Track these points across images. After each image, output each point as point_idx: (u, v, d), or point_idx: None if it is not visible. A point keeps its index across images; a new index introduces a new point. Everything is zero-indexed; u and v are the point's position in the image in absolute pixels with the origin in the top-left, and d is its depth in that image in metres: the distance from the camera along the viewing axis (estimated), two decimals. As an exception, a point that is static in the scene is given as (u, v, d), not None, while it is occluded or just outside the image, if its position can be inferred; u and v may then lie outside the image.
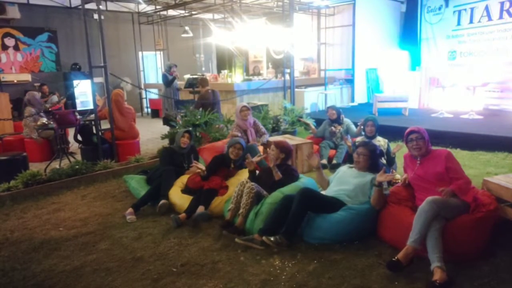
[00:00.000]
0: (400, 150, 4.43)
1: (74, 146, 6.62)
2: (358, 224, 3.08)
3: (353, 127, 5.55)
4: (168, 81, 8.99)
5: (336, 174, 3.58)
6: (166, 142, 5.94)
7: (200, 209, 3.55)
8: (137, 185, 4.31)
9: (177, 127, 6.04)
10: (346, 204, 3.18)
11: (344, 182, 3.35)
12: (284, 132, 6.58)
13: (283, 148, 3.82)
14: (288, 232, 2.98)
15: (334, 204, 3.17)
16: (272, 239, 2.92)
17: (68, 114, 6.18)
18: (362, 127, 4.98)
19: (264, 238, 2.95)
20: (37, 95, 6.93)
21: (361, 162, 3.32)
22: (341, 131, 5.52)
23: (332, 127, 5.57)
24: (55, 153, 5.81)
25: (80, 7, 5.79)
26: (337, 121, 5.62)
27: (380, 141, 4.66)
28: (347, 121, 5.67)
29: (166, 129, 7.42)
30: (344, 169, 3.55)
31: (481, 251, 2.78)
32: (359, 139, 4.83)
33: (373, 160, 3.34)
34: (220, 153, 4.48)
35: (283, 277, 2.62)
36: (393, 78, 10.36)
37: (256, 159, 4.28)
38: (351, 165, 3.51)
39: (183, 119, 6.05)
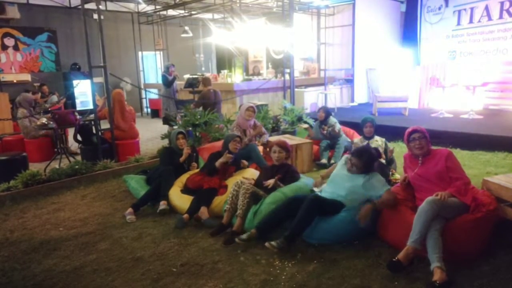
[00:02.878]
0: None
1: (73, 146, 6.62)
2: (358, 224, 3.07)
3: (338, 126, 5.60)
4: (168, 82, 8.99)
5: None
6: (166, 142, 5.93)
7: (203, 210, 3.54)
8: (137, 185, 4.30)
9: (177, 127, 6.04)
10: (345, 205, 3.18)
11: (337, 185, 3.26)
12: (284, 132, 6.58)
13: (285, 148, 3.83)
14: (292, 236, 2.96)
15: (337, 206, 3.15)
16: (274, 244, 2.86)
17: (68, 114, 6.19)
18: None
19: (266, 243, 2.89)
20: (29, 97, 6.88)
21: (354, 170, 3.19)
22: (329, 131, 5.55)
23: (321, 129, 5.66)
24: (56, 153, 5.82)
25: (80, 7, 5.79)
26: (325, 122, 5.66)
27: (378, 141, 4.65)
28: (333, 120, 5.69)
29: (166, 129, 7.42)
30: (339, 166, 3.42)
31: (481, 251, 2.78)
32: (357, 139, 4.83)
33: (367, 168, 3.20)
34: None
35: (283, 277, 2.61)
36: (393, 78, 10.35)
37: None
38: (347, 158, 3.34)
39: (183, 119, 6.05)
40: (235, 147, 4.13)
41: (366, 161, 3.17)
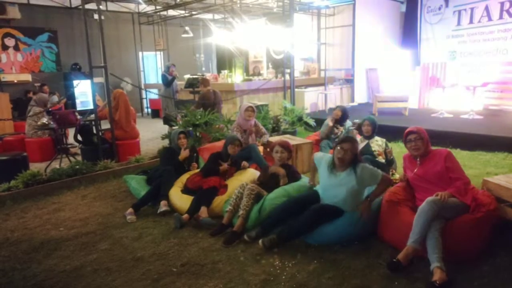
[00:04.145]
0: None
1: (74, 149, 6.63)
2: (358, 226, 3.07)
3: (349, 123, 5.49)
4: (168, 82, 9.00)
5: (320, 167, 3.34)
6: (166, 142, 5.94)
7: (203, 210, 3.54)
8: (137, 185, 4.31)
9: (177, 127, 6.05)
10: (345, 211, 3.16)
11: (333, 194, 3.15)
12: (284, 132, 6.58)
13: (288, 148, 3.85)
14: (287, 238, 3.01)
15: (339, 213, 3.13)
16: (265, 242, 2.94)
17: (68, 114, 6.20)
18: (356, 130, 4.99)
19: (259, 241, 2.97)
20: (45, 97, 7.11)
21: (347, 157, 3.08)
22: (343, 133, 5.49)
23: (335, 128, 5.54)
24: (57, 153, 5.83)
25: (80, 7, 5.80)
26: (341, 122, 5.56)
27: (378, 141, 4.65)
28: (348, 124, 5.59)
29: (166, 129, 7.43)
30: (325, 174, 3.23)
31: (481, 251, 2.78)
32: (358, 139, 4.83)
33: (357, 152, 3.16)
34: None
35: (283, 277, 2.62)
36: (393, 78, 10.36)
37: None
38: (329, 161, 3.23)
39: (183, 119, 6.06)
40: (233, 150, 4.14)
41: (355, 144, 3.15)
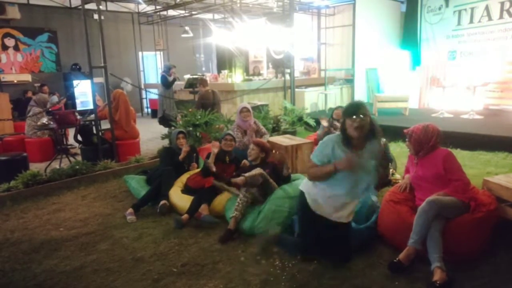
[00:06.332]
0: None
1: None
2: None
3: None
4: (168, 83, 8.96)
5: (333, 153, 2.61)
6: (166, 142, 5.94)
7: (204, 207, 3.54)
8: (137, 185, 4.31)
9: (177, 127, 6.04)
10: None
11: (354, 179, 2.62)
12: (284, 132, 6.58)
13: (264, 148, 3.88)
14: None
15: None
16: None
17: (68, 114, 6.20)
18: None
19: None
20: (45, 97, 7.13)
21: (366, 127, 2.53)
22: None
23: (332, 128, 5.56)
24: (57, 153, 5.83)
25: (80, 7, 5.79)
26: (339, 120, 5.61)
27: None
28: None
29: (166, 129, 7.42)
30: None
31: (481, 251, 2.78)
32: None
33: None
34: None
35: (284, 277, 2.62)
36: (393, 78, 10.35)
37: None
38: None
39: (183, 119, 6.05)
40: (227, 146, 4.15)
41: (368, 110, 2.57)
